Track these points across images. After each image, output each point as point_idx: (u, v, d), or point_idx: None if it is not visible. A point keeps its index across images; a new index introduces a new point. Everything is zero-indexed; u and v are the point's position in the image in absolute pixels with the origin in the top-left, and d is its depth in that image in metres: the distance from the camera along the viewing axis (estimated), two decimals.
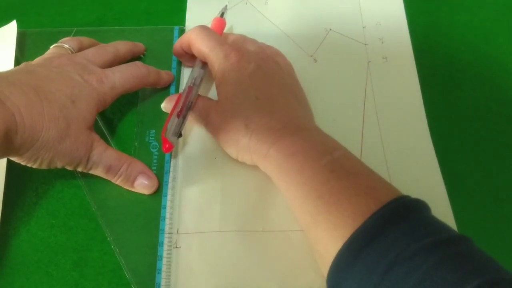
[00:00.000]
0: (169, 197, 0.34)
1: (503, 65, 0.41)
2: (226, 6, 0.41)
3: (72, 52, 0.35)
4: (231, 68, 0.33)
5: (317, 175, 0.28)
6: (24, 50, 0.41)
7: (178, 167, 0.35)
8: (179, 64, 0.40)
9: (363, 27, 0.43)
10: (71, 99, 0.31)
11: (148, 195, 0.34)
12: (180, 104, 0.34)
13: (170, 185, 0.34)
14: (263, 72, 0.34)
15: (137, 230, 0.33)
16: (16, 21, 0.41)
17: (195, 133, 0.37)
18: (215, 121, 0.34)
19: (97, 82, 0.33)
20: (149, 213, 0.33)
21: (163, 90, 0.39)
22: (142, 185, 0.33)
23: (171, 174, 0.35)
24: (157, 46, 0.41)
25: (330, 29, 0.43)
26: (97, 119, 0.37)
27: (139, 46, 0.40)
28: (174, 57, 0.40)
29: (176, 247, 0.32)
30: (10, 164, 0.34)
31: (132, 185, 0.33)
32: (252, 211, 0.33)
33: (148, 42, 0.41)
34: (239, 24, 0.43)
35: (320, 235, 0.27)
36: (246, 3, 0.44)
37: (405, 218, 0.24)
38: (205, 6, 0.44)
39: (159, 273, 0.31)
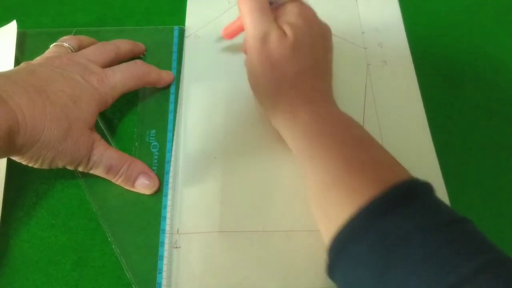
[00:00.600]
0: (169, 197, 0.34)
1: (503, 65, 0.41)
2: None
3: (72, 51, 0.35)
4: (307, 19, 0.33)
5: (347, 141, 0.29)
6: (24, 50, 0.41)
7: (178, 167, 0.35)
8: (179, 64, 0.40)
9: (362, 32, 0.43)
10: (72, 99, 0.31)
11: (148, 195, 0.34)
12: None
13: (170, 185, 0.34)
14: (325, 41, 0.35)
15: (138, 230, 0.33)
16: (16, 21, 0.41)
17: (195, 133, 0.37)
18: (274, 49, 0.32)
19: (98, 83, 0.33)
20: (150, 213, 0.33)
21: (163, 90, 0.39)
22: (143, 185, 0.33)
23: (171, 174, 0.35)
24: (157, 46, 0.41)
25: None
26: (98, 119, 0.36)
27: (139, 45, 0.40)
28: (174, 57, 0.40)
29: (176, 247, 0.32)
30: (10, 164, 0.34)
31: (132, 185, 0.33)
32: (252, 211, 0.33)
33: (148, 42, 0.41)
34: None
35: (337, 197, 0.27)
36: None
37: (421, 196, 0.25)
38: (205, 6, 0.44)
39: (160, 273, 0.31)
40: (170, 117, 0.37)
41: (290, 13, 0.33)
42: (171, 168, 0.35)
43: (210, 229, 0.33)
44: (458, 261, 0.21)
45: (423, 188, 0.26)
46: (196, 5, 0.44)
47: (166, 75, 0.38)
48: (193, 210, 0.34)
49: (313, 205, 0.30)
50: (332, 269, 0.26)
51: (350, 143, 0.28)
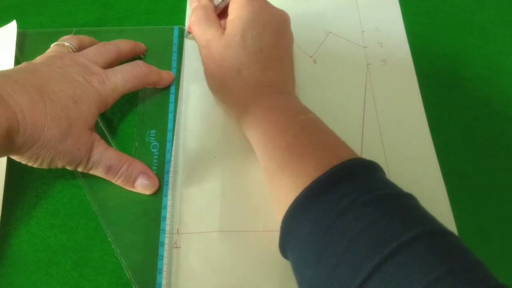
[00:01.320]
0: (169, 197, 0.34)
1: (503, 65, 0.41)
2: None
3: (72, 50, 0.35)
4: (251, 9, 0.34)
5: (290, 128, 0.29)
6: (24, 50, 0.41)
7: (178, 167, 0.35)
8: (179, 64, 0.40)
9: (362, 31, 0.43)
10: (73, 99, 0.31)
11: (148, 195, 0.34)
12: None
13: (170, 185, 0.34)
14: (276, 28, 0.35)
15: (138, 230, 0.33)
16: (16, 21, 0.41)
17: (195, 132, 0.37)
18: (214, 51, 0.34)
19: (99, 84, 0.33)
20: (150, 213, 0.33)
21: (163, 90, 0.39)
22: (143, 185, 0.33)
23: (171, 174, 0.35)
24: (157, 46, 0.41)
25: (329, 32, 0.43)
26: (98, 119, 0.36)
27: (140, 45, 0.40)
28: (174, 57, 0.40)
29: (176, 247, 0.32)
30: (10, 164, 0.34)
31: (132, 185, 0.33)
32: (252, 211, 0.33)
33: (148, 42, 0.41)
34: None
35: (283, 182, 0.28)
36: None
37: (360, 174, 0.26)
38: None
39: (160, 273, 0.31)
40: (170, 117, 0.37)
41: (234, 8, 0.35)
42: (171, 168, 0.35)
43: (210, 229, 0.33)
44: (392, 234, 0.22)
45: (363, 167, 0.27)
46: None
47: (166, 75, 0.38)
48: (193, 210, 0.34)
49: (268, 191, 0.31)
50: (283, 249, 0.28)
51: (294, 130, 0.29)
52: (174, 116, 0.37)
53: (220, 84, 0.34)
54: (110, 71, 0.34)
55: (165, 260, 0.31)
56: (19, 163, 0.30)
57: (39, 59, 0.33)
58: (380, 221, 0.23)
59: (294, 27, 0.42)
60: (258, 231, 0.33)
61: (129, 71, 0.35)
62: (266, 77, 0.33)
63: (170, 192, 0.34)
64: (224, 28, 0.35)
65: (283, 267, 0.31)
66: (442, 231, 0.23)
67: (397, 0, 0.45)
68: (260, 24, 0.34)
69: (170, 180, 0.35)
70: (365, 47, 0.42)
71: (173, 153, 0.36)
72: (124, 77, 0.34)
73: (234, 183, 0.34)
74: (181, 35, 0.42)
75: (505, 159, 0.36)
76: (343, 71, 0.40)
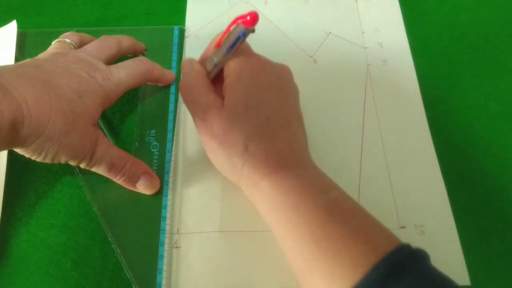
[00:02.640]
0: (169, 197, 0.34)
1: (503, 65, 0.41)
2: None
3: (74, 47, 0.35)
4: (249, 72, 0.30)
5: (313, 216, 0.26)
6: (24, 50, 0.41)
7: (178, 167, 0.35)
8: (179, 64, 0.40)
9: (362, 32, 0.43)
10: (78, 94, 0.31)
11: (148, 195, 0.34)
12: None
13: (170, 185, 0.34)
14: (279, 87, 0.31)
15: (138, 230, 0.33)
16: (16, 21, 0.41)
17: (195, 132, 0.37)
18: (215, 125, 0.30)
19: (103, 79, 0.33)
20: (150, 213, 0.33)
21: (163, 90, 0.39)
22: (144, 186, 0.33)
23: (171, 174, 0.35)
24: (157, 46, 0.41)
25: (330, 32, 0.43)
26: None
27: (140, 44, 0.40)
28: (174, 57, 0.40)
29: (176, 247, 0.32)
30: (10, 164, 0.34)
31: (134, 185, 0.33)
32: (252, 211, 0.33)
33: (148, 42, 0.41)
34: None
35: (315, 284, 0.25)
36: (246, 3, 0.44)
37: (408, 272, 0.23)
38: (205, 6, 0.44)
39: (160, 273, 0.31)
40: (170, 117, 0.37)
41: (231, 73, 0.31)
42: (171, 168, 0.35)
43: (210, 229, 0.33)
44: None
45: (409, 260, 0.23)
46: (196, 5, 0.44)
47: (168, 74, 0.38)
48: (193, 210, 0.34)
49: (298, 283, 0.27)
50: None
51: (318, 218, 0.25)
52: (174, 116, 0.37)
53: (227, 162, 0.30)
54: (113, 67, 0.34)
55: (165, 260, 0.31)
56: (19, 162, 0.30)
57: (42, 55, 0.33)
58: None
59: (294, 27, 0.43)
60: (258, 231, 0.33)
61: (132, 67, 0.35)
62: (276, 149, 0.29)
63: (170, 192, 0.34)
64: (220, 96, 0.31)
65: (283, 267, 0.31)
66: None
67: (397, 0, 0.45)
68: (262, 88, 0.30)
69: (170, 180, 0.35)
70: (365, 48, 0.42)
71: (173, 153, 0.36)
72: (127, 73, 0.34)
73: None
74: (181, 35, 0.42)
75: (505, 159, 0.36)
76: (343, 71, 0.40)
